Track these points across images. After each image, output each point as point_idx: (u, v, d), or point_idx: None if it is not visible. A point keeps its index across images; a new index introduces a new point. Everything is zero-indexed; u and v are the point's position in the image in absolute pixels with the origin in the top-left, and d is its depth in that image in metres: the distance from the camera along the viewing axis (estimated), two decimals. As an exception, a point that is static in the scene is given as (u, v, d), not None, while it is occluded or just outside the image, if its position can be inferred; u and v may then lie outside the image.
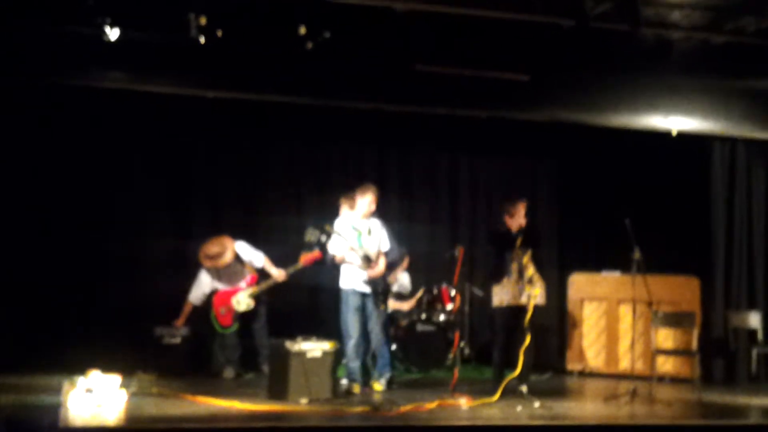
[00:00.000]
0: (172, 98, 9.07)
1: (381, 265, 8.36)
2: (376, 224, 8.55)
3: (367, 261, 8.29)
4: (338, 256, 8.31)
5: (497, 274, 8.44)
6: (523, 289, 8.29)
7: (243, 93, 9.15)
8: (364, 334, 8.33)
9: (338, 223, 8.47)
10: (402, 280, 10.28)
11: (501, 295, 8.38)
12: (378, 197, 8.51)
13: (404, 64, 8.94)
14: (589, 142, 10.56)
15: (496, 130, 10.41)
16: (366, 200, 8.41)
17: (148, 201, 10.14)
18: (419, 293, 10.23)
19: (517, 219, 8.37)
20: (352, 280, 8.33)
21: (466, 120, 10.08)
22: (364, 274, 8.27)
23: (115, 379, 7.07)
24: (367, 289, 8.29)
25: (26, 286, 9.28)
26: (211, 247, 9.17)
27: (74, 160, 9.72)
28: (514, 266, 8.32)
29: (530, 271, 8.32)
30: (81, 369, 7.18)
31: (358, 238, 8.37)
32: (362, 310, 8.32)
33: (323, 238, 8.25)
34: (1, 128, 9.13)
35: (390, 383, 8.54)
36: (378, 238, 8.50)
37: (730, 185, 10.42)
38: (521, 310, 8.25)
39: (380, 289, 8.33)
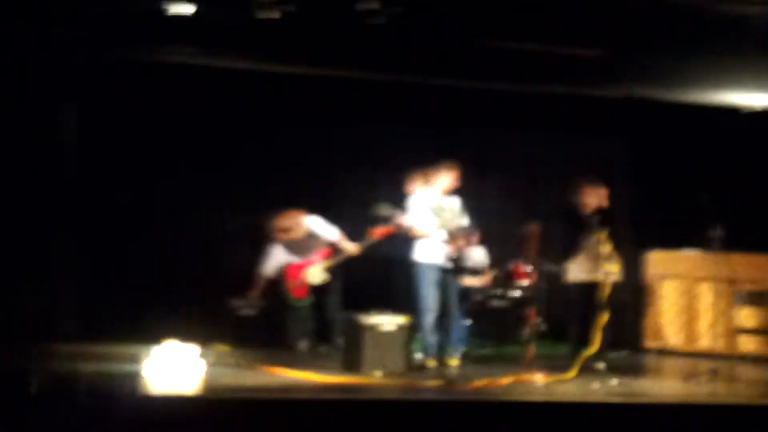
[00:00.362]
0: (247, 74, 9.10)
1: (462, 240, 8.32)
2: (455, 200, 8.50)
3: (450, 236, 8.25)
4: (419, 231, 8.27)
5: (572, 250, 8.39)
6: (598, 266, 8.21)
7: (314, 68, 9.13)
8: (441, 309, 8.29)
9: (416, 198, 8.42)
10: (475, 255, 10.19)
11: (575, 272, 8.35)
12: (458, 172, 8.46)
13: (478, 39, 8.82)
14: (667, 118, 10.36)
15: (571, 106, 10.26)
16: (449, 177, 8.39)
17: (225, 176, 10.20)
18: (492, 271, 10.16)
19: (597, 200, 8.30)
20: (431, 253, 8.29)
21: (541, 96, 9.95)
22: (444, 249, 8.23)
23: (193, 348, 7.16)
24: (446, 264, 8.25)
25: (107, 259, 9.43)
26: (284, 221, 9.23)
27: (153, 136, 9.83)
28: (589, 243, 8.24)
29: (607, 247, 8.22)
30: (159, 339, 7.28)
31: (438, 213, 8.31)
32: (440, 285, 8.28)
33: (394, 212, 8.24)
34: (91, 104, 9.23)
35: (464, 358, 8.50)
36: (457, 214, 8.44)
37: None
38: (596, 286, 8.18)
39: (457, 263, 8.30)
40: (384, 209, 8.27)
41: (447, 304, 8.30)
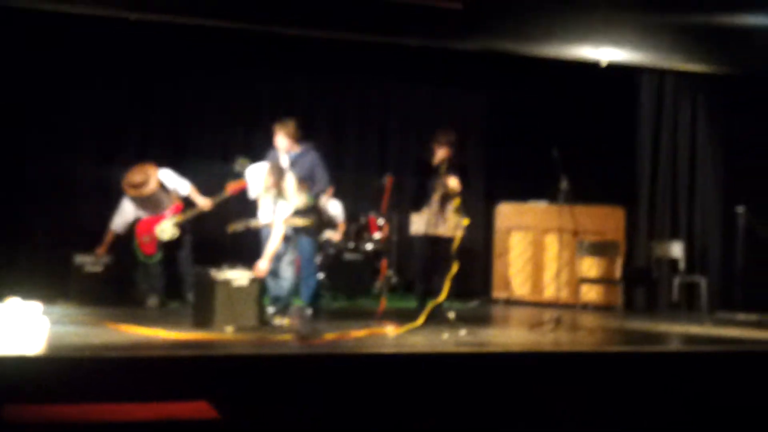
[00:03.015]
0: (97, 21, 8.77)
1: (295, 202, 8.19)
2: (294, 158, 8.38)
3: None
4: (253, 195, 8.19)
5: (417, 202, 8.46)
6: (442, 220, 8.30)
7: (166, 15, 8.89)
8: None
9: (251, 173, 8.23)
10: (331, 209, 10.23)
11: (419, 224, 8.42)
12: (290, 132, 8.33)
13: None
14: (519, 72, 10.57)
15: (428, 59, 10.34)
16: (280, 136, 8.26)
17: (72, 126, 9.86)
18: (345, 224, 10.23)
19: (447, 152, 8.37)
20: (265, 213, 8.21)
21: (398, 49, 9.97)
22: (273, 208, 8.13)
23: (36, 306, 6.92)
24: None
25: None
26: (135, 176, 8.98)
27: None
28: (436, 197, 8.34)
29: (457, 201, 8.33)
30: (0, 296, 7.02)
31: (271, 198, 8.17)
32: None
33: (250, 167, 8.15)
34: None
35: (316, 312, 8.55)
36: (297, 172, 8.31)
37: (657, 117, 10.59)
38: (439, 240, 8.29)
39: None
40: (241, 165, 8.17)
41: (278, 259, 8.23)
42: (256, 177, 8.16)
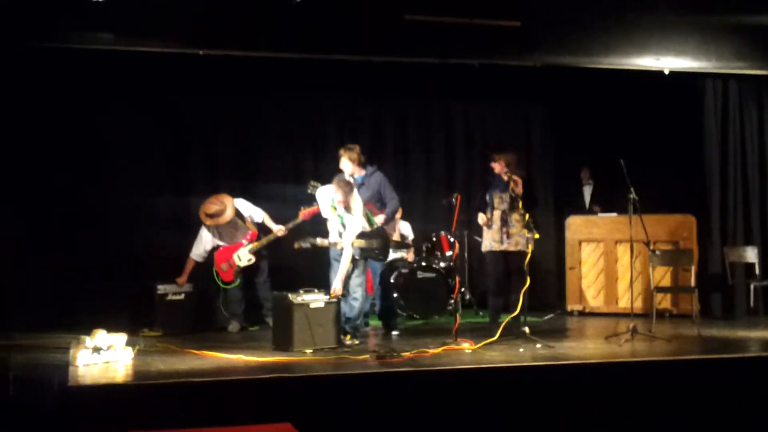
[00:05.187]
0: (166, 56, 9.06)
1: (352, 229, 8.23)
2: (361, 180, 8.57)
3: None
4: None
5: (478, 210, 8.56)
6: (506, 235, 8.33)
7: (233, 50, 9.15)
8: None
9: (321, 194, 8.40)
10: (403, 229, 10.35)
11: (488, 240, 8.47)
12: (353, 156, 8.54)
13: (394, 14, 8.93)
14: (583, 84, 10.58)
15: (489, 77, 10.42)
16: (344, 160, 8.49)
17: (147, 159, 10.17)
18: (412, 245, 10.34)
19: (512, 169, 8.42)
20: (332, 234, 8.37)
21: (459, 68, 10.09)
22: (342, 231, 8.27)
23: (121, 337, 7.14)
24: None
25: (30, 248, 9.29)
26: (211, 206, 9.20)
27: (71, 119, 9.70)
28: (497, 214, 8.38)
29: (527, 216, 8.35)
30: (87, 328, 7.25)
31: (340, 219, 8.31)
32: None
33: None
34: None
35: (392, 331, 8.66)
36: (364, 194, 8.48)
37: (723, 122, 10.48)
38: (509, 254, 8.33)
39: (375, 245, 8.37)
40: (313, 188, 8.43)
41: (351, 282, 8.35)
42: (325, 198, 8.32)
